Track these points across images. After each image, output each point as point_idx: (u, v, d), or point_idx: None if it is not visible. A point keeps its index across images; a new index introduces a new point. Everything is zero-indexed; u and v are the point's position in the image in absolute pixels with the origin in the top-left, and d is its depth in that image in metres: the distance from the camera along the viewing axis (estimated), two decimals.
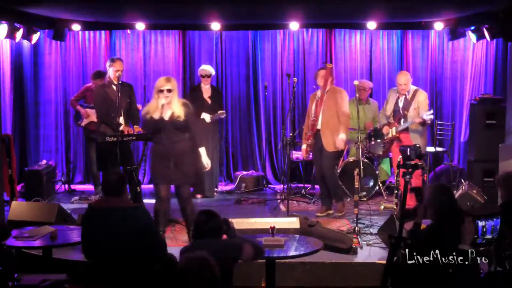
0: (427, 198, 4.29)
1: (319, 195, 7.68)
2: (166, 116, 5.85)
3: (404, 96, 7.10)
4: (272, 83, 9.20)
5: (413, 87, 7.14)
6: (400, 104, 7.12)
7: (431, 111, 6.89)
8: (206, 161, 6.05)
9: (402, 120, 7.09)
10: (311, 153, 7.31)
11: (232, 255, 4.04)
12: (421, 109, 6.93)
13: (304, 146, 7.27)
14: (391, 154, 7.79)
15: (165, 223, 6.30)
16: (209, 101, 8.12)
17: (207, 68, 8.21)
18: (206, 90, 8.16)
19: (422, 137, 7.06)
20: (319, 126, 7.05)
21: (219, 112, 8.17)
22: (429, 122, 6.95)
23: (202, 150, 6.04)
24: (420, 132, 7.06)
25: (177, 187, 6.10)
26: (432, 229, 4.20)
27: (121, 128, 6.93)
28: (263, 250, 4.40)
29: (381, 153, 7.64)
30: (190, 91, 8.59)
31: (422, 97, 7.06)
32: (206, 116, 8.01)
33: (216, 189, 8.51)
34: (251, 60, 9.22)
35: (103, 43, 9.07)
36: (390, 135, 7.22)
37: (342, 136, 6.94)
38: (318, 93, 7.12)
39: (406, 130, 7.06)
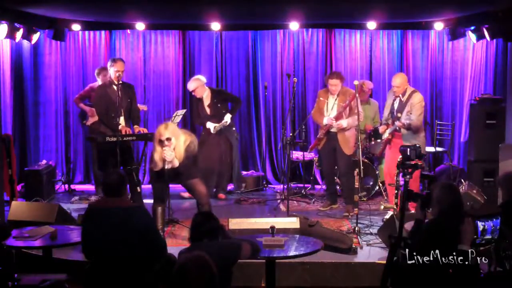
0: (435, 196, 4.29)
1: (324, 191, 7.83)
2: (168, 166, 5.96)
3: (399, 98, 6.95)
4: (272, 83, 9.19)
5: (410, 89, 6.96)
6: (395, 106, 6.99)
7: (411, 116, 6.67)
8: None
9: (396, 122, 6.95)
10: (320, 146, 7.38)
11: (232, 255, 4.04)
12: (413, 112, 6.74)
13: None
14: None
15: (163, 223, 6.31)
16: (208, 110, 7.93)
17: (189, 85, 7.98)
18: (206, 99, 7.97)
19: (417, 139, 6.69)
20: (334, 129, 7.12)
21: (223, 121, 7.93)
22: (411, 124, 6.70)
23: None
24: (413, 135, 6.83)
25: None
26: (434, 226, 4.19)
27: (119, 127, 6.92)
28: (259, 248, 4.44)
29: (377, 153, 7.61)
30: (191, 103, 8.49)
31: (416, 99, 6.83)
32: (211, 126, 7.90)
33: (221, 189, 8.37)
34: (251, 60, 9.22)
35: (103, 43, 9.07)
36: (384, 137, 7.17)
37: (342, 122, 7.02)
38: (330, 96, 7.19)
39: (399, 132, 6.92)
